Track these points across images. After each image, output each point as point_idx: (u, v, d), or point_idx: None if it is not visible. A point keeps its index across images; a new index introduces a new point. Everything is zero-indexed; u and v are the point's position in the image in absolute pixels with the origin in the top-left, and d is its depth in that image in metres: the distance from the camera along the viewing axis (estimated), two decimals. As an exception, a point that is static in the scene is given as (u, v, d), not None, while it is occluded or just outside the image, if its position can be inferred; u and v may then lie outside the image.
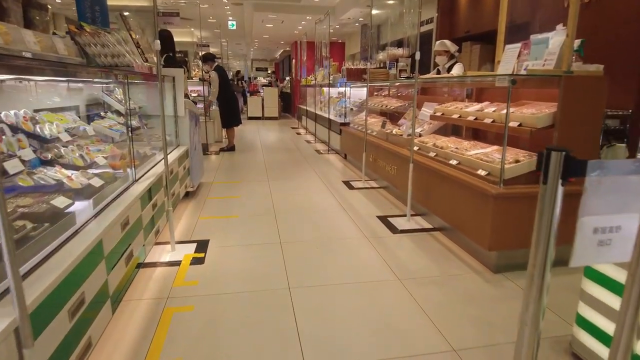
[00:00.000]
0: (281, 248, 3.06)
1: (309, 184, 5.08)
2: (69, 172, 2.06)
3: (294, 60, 15.30)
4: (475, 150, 3.15)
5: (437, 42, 4.69)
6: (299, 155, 7.22)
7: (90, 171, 2.32)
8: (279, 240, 3.21)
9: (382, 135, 4.85)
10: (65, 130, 2.40)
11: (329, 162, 6.60)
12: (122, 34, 2.96)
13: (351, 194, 4.62)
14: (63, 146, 2.41)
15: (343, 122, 6.67)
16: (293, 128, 11.88)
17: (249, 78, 21.90)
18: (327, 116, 7.60)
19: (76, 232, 1.74)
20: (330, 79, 8.04)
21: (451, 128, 4.18)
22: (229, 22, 13.11)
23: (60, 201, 1.73)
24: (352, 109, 6.84)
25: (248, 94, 14.80)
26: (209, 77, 7.13)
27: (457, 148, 3.33)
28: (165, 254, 2.93)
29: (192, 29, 15.69)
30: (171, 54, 5.15)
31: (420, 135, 4.15)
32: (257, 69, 30.20)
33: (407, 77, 5.12)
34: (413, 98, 3.67)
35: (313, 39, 12.20)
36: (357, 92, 7.73)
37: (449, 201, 3.16)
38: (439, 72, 4.88)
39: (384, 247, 3.10)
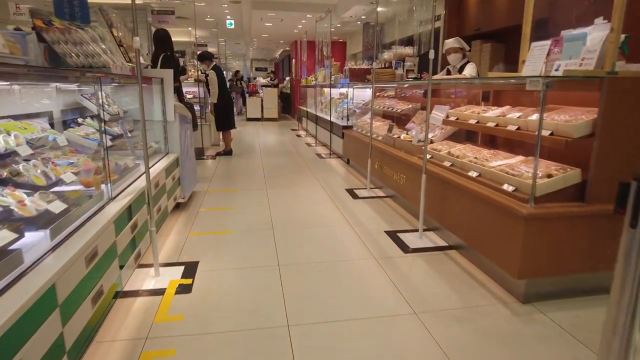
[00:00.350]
0: (279, 272, 2.71)
1: (310, 192, 4.73)
2: (23, 195, 1.72)
3: (293, 60, 14.96)
4: (498, 161, 2.80)
5: (452, 39, 4.34)
6: (300, 159, 6.87)
7: (54, 190, 1.98)
8: (277, 262, 2.86)
9: (388, 140, 4.51)
10: (28, 142, 2.05)
11: (330, 167, 6.25)
12: (100, 31, 2.61)
13: (356, 204, 4.27)
14: (24, 160, 2.06)
15: (346, 125, 6.33)
16: (293, 130, 11.54)
17: (248, 78, 21.56)
18: (329, 118, 7.26)
19: (22, 275, 1.40)
20: (332, 79, 7.69)
21: (465, 134, 3.84)
22: (227, 21, 12.76)
23: (1, 236, 1.39)
24: (355, 111, 6.49)
25: (247, 95, 14.45)
26: (206, 77, 6.79)
27: (476, 158, 2.98)
28: (148, 279, 2.59)
29: (190, 29, 15.34)
30: (169, 53, 4.83)
31: (431, 142, 3.80)
32: (257, 69, 29.86)
33: (415, 78, 4.77)
34: (427, 101, 3.32)
35: (314, 38, 11.86)
36: (360, 93, 7.39)
37: (467, 218, 2.81)
38: (449, 72, 4.54)
39: (396, 271, 2.75)
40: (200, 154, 6.98)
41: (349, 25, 11.04)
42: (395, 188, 4.16)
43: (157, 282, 2.56)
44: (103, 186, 2.28)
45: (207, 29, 14.45)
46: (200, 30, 15.23)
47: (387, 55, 5.54)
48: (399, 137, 4.25)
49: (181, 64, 9.30)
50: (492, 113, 3.09)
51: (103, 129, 2.25)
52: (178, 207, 4.03)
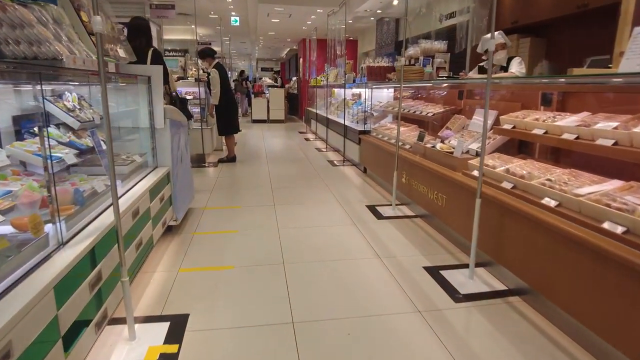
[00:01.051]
0: (295, 336, 2.04)
1: (325, 209, 4.06)
2: None
3: (301, 60, 14.30)
4: (587, 188, 2.10)
5: (496, 33, 3.65)
6: (310, 167, 6.20)
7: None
8: (291, 318, 2.19)
9: (418, 149, 3.82)
10: None
11: (345, 177, 5.57)
12: (54, 10, 1.95)
13: (381, 226, 3.59)
14: None
15: (362, 129, 5.64)
16: (301, 133, 10.87)
17: (254, 79, 20.94)
18: (342, 122, 6.57)
19: None
20: (345, 78, 7.01)
21: (517, 146, 3.15)
22: (232, 18, 12.13)
23: None
24: (372, 113, 5.81)
25: (252, 96, 13.81)
26: (208, 76, 6.13)
27: (549, 180, 2.29)
28: (120, 346, 1.92)
29: (193, 26, 14.73)
30: (154, 47, 4.17)
31: (477, 155, 3.12)
32: (263, 69, 29.29)
33: (449, 77, 4.09)
34: (478, 103, 2.63)
35: (324, 36, 11.18)
36: (376, 94, 6.72)
37: (540, 259, 2.12)
38: (481, 71, 3.85)
39: (447, 331, 2.06)
40: (200, 160, 6.34)
41: (361, 21, 10.37)
42: (430, 208, 3.47)
43: (131, 351, 1.89)
44: (49, 227, 1.62)
45: (211, 26, 13.83)
46: (204, 28, 14.62)
47: (412, 50, 4.85)
48: (433, 146, 3.56)
49: (180, 63, 8.68)
50: (567, 121, 2.40)
51: (47, 143, 1.58)
52: (170, 230, 3.38)
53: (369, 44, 11.30)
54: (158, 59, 4.01)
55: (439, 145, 3.48)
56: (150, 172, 3.03)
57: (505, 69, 3.55)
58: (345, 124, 6.41)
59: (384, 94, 6.38)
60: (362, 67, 5.83)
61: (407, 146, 4.13)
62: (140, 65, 3.24)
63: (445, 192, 3.16)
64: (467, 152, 3.19)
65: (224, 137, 6.51)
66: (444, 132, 3.68)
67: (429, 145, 3.63)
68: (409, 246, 3.16)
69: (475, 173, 2.83)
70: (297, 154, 7.52)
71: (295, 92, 16.18)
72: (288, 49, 18.87)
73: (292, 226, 3.57)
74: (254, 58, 26.34)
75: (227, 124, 6.29)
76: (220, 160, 6.49)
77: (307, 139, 9.59)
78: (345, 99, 7.04)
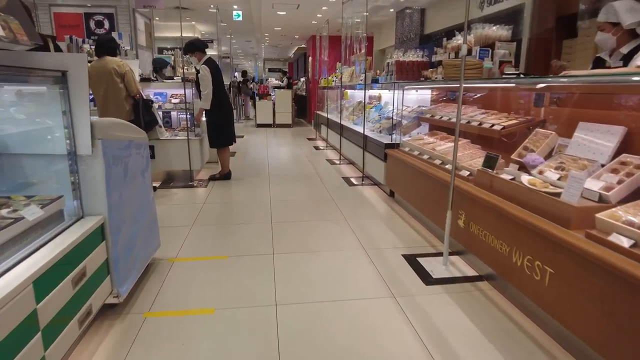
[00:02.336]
0: None
1: (346, 263, 2.85)
2: None
3: (310, 58, 13.12)
4: None
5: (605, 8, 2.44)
6: (321, 187, 4.99)
7: None
8: None
9: (485, 181, 2.60)
10: None
11: (367, 202, 4.36)
12: None
13: (434, 301, 2.37)
14: None
15: (389, 142, 4.43)
16: (310, 140, 9.67)
17: (260, 80, 19.81)
18: (361, 131, 5.36)
19: None
20: (364, 77, 5.79)
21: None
22: (234, 12, 10.98)
23: None
24: (401, 121, 4.60)
25: (257, 98, 12.67)
26: (197, 73, 4.96)
27: None
28: None
29: (194, 23, 13.65)
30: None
31: (601, 200, 1.89)
32: (270, 70, 28.21)
33: (522, 75, 2.85)
34: (595, 114, 1.41)
35: (335, 31, 9.98)
36: (395, 97, 5.52)
37: None
38: (599, 64, 2.62)
39: None
40: (186, 179, 5.17)
41: (379, 14, 9.15)
42: (512, 275, 2.24)
43: None
44: None
45: (213, 23, 12.69)
46: (205, 24, 13.49)
47: (460, 39, 3.61)
48: (515, 179, 2.33)
49: (170, 62, 7.50)
50: None
51: None
52: (113, 307, 2.20)
53: (386, 40, 10.08)
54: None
55: (526, 179, 2.25)
56: (68, 227, 1.85)
57: (626, 60, 2.33)
58: (366, 134, 5.19)
59: (412, 97, 5.17)
60: (388, 63, 4.62)
61: (464, 172, 2.90)
62: (48, 53, 2.07)
63: (549, 261, 1.92)
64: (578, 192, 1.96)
65: (216, 150, 5.33)
66: (529, 157, 2.44)
67: (506, 177, 2.40)
68: (489, 349, 1.93)
69: (617, 239, 1.61)
70: (305, 167, 6.31)
71: (304, 93, 15.01)
72: (296, 48, 17.69)
73: (297, 300, 2.36)
74: (260, 58, 25.24)
75: (220, 134, 5.11)
76: (212, 178, 5.31)
77: (316, 148, 8.39)
78: (364, 102, 5.83)
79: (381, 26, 10.51)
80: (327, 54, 9.81)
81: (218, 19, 9.63)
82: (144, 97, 4.47)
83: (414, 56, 4.41)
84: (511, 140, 2.88)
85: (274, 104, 12.54)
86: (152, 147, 4.97)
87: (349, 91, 9.62)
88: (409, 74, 4.33)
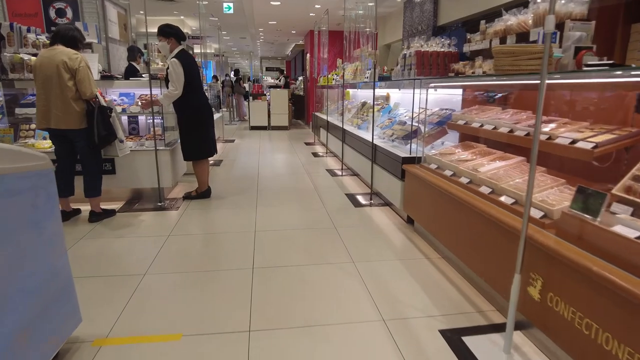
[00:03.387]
0: None
1: (359, 353, 1.89)
2: None
3: (308, 55, 12.16)
4: None
5: None
6: (321, 209, 4.03)
7: None
8: None
9: (576, 230, 1.65)
10: None
11: (380, 233, 3.40)
12: None
13: None
14: None
15: (408, 156, 3.47)
16: (308, 144, 8.71)
17: (255, 79, 18.85)
18: (370, 139, 4.41)
19: None
20: (374, 72, 4.83)
21: None
22: (224, 4, 10.02)
23: None
24: (419, 127, 3.65)
25: (250, 98, 11.71)
26: (167, 69, 4.00)
27: None
28: None
29: (183, 17, 12.67)
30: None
31: None
32: (268, 69, 27.27)
33: (619, 66, 1.90)
34: None
35: (335, 25, 9.03)
36: (418, 98, 4.59)
37: None
38: None
39: None
40: (155, 199, 4.22)
41: (383, 4, 8.19)
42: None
43: None
44: None
45: (204, 17, 11.70)
46: (195, 19, 12.50)
47: (511, 20, 2.61)
48: (639, 237, 1.38)
49: (145, 54, 6.49)
50: None
51: None
52: None
53: (392, 34, 9.12)
54: None
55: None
56: None
57: None
58: (377, 144, 4.23)
59: (430, 98, 4.24)
60: (405, 55, 3.65)
61: (533, 212, 1.95)
62: None
63: None
64: None
65: (192, 163, 4.36)
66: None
67: (622, 232, 1.45)
68: None
69: None
70: (302, 179, 5.35)
71: (302, 93, 14.07)
72: (293, 45, 16.73)
73: None
74: (257, 57, 24.26)
75: (195, 144, 4.14)
76: (187, 197, 4.35)
77: (315, 154, 7.43)
78: (373, 105, 4.89)
79: (386, 19, 9.55)
80: (326, 51, 8.85)
81: (201, 7, 8.67)
82: (103, 103, 3.50)
83: (437, 46, 3.45)
84: (604, 164, 1.92)
85: (269, 104, 11.59)
86: (111, 161, 4.01)
87: (350, 90, 8.68)
88: (432, 68, 3.38)
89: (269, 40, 15.77)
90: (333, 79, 7.99)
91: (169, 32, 3.96)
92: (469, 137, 3.11)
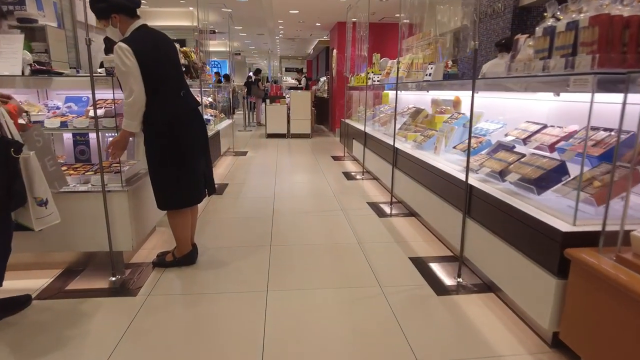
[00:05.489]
0: None
1: None
2: None
3: (335, 51, 10.48)
4: None
5: None
6: (378, 298, 2.32)
7: None
8: None
9: None
10: None
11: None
12: None
13: None
14: None
15: (573, 230, 1.72)
16: (336, 159, 7.01)
17: (274, 80, 17.28)
18: (459, 175, 2.68)
19: None
20: (427, 72, 3.12)
21: None
22: (238, -10, 8.46)
23: None
24: (560, 160, 1.91)
25: (267, 101, 10.10)
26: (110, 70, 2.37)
27: None
28: None
29: (191, 8, 11.18)
30: None
31: None
32: (287, 70, 25.78)
33: None
34: None
35: (371, 14, 7.29)
36: (500, 104, 2.89)
37: None
38: None
39: None
40: (107, 270, 2.59)
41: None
42: None
43: None
44: None
45: (216, 10, 10.15)
46: (206, 12, 10.96)
47: None
48: None
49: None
50: None
51: None
52: None
53: (444, 23, 7.36)
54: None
55: None
56: None
57: None
58: (483, 189, 2.49)
59: (540, 110, 2.52)
60: (550, 28, 1.90)
61: None
62: None
63: None
64: None
65: (168, 216, 2.71)
66: None
67: None
68: None
69: None
70: (337, 224, 3.66)
71: (325, 95, 12.40)
72: (316, 41, 15.08)
73: None
74: (275, 56, 22.74)
75: (169, 183, 2.49)
76: (158, 264, 2.71)
77: (347, 175, 5.73)
78: (470, 117, 3.18)
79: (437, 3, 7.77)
80: (365, 47, 7.11)
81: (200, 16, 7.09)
82: (10, 132, 1.91)
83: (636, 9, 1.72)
84: None
85: (288, 108, 9.96)
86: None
87: (389, 92, 6.96)
88: (628, 49, 1.64)
89: (289, 36, 14.17)
90: (369, 79, 6.30)
91: (104, 9, 2.32)
92: None
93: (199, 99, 4.85)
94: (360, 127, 6.02)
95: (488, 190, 2.33)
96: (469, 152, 2.53)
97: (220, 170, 5.98)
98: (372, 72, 6.49)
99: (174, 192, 2.48)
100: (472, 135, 3.32)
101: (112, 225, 2.49)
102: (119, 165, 2.58)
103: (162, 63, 2.37)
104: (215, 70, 15.49)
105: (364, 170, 5.78)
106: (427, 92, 4.83)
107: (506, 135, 2.97)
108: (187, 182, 2.51)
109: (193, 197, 2.57)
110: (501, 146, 2.82)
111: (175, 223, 2.60)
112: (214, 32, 11.75)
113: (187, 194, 2.53)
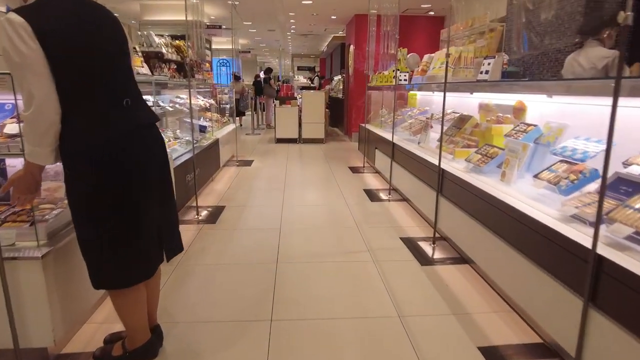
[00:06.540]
0: None
1: None
2: None
3: (351, 47, 9.48)
4: None
5: None
6: None
7: None
8: None
9: None
10: None
11: None
12: None
13: None
14: None
15: None
16: (355, 172, 6.03)
17: (284, 79, 16.40)
18: (546, 223, 1.69)
19: None
20: (483, 69, 2.10)
21: None
22: (244, -22, 7.52)
23: None
24: None
25: (277, 103, 9.16)
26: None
27: None
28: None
29: (196, 0, 10.28)
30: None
31: None
32: (299, 68, 24.83)
33: None
34: None
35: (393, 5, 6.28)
36: (599, 111, 1.86)
37: None
38: None
39: None
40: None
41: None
42: None
43: None
44: None
45: (223, 3, 9.22)
46: (214, 7, 10.05)
47: None
48: None
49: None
50: None
51: None
52: None
53: (493, 12, 6.31)
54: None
55: None
56: None
57: None
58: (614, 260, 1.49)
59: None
60: None
61: None
62: None
63: None
64: None
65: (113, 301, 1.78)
66: None
67: None
68: None
69: None
70: (361, 273, 2.68)
71: (340, 95, 11.41)
72: (331, 37, 14.07)
73: None
74: (287, 54, 21.79)
75: (103, 252, 1.54)
76: (101, 357, 1.79)
77: (370, 193, 4.75)
78: (448, 115, 2.15)
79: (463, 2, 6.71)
80: (389, 42, 6.11)
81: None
82: None
83: None
84: None
85: (300, 110, 9.01)
86: None
87: (417, 93, 5.96)
88: None
89: (301, 31, 13.22)
90: (392, 79, 5.32)
91: None
92: None
93: (194, 100, 3.84)
94: (386, 135, 5.03)
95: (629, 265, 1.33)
96: (601, 200, 1.50)
97: (219, 187, 5.05)
98: (399, 69, 5.50)
99: (108, 264, 1.54)
100: (563, 158, 2.31)
101: (19, 311, 1.56)
102: (31, 213, 1.65)
103: (89, 51, 1.43)
104: (224, 69, 14.62)
105: (391, 189, 4.78)
106: (471, 94, 3.83)
107: (626, 163, 1.96)
108: (129, 249, 1.55)
109: (140, 270, 1.61)
110: (626, 183, 1.81)
111: (119, 305, 1.65)
112: (220, 27, 10.85)
113: (129, 266, 1.57)
